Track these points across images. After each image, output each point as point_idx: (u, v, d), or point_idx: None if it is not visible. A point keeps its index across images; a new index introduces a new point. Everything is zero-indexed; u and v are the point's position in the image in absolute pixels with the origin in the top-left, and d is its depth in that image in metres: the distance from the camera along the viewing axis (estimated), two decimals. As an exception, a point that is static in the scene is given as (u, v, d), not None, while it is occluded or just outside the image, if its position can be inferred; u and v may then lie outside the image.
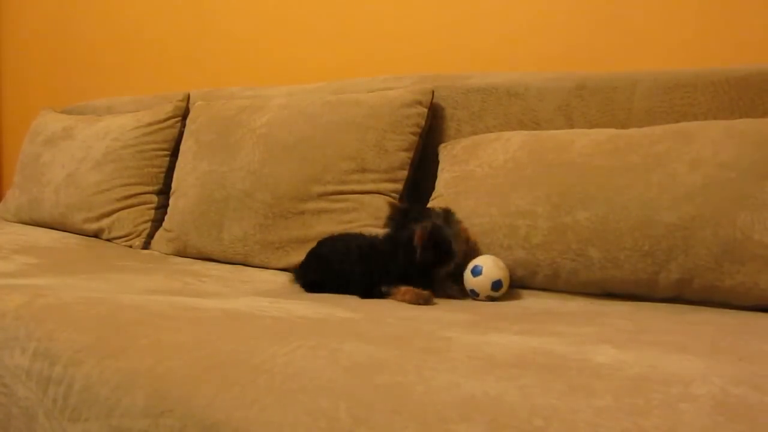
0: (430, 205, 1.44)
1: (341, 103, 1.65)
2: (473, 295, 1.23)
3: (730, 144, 1.16)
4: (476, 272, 1.21)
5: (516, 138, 1.39)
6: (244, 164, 1.67)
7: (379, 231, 1.36)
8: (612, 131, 1.31)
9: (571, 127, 1.47)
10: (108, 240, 1.95)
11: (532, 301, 1.21)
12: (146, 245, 1.90)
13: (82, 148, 2.11)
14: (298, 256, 1.55)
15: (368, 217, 1.51)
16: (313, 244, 1.38)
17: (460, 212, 1.34)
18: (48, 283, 1.26)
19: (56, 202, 2.07)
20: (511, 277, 1.24)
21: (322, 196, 1.56)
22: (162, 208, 1.94)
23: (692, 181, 1.14)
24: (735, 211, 1.10)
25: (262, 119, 1.72)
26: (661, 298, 1.17)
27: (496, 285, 1.21)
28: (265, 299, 1.16)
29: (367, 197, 1.53)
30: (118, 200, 1.96)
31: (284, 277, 1.48)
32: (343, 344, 0.81)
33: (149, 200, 1.97)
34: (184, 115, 2.06)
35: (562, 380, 0.69)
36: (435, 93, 1.62)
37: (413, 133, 1.57)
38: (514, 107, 1.55)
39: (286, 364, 0.75)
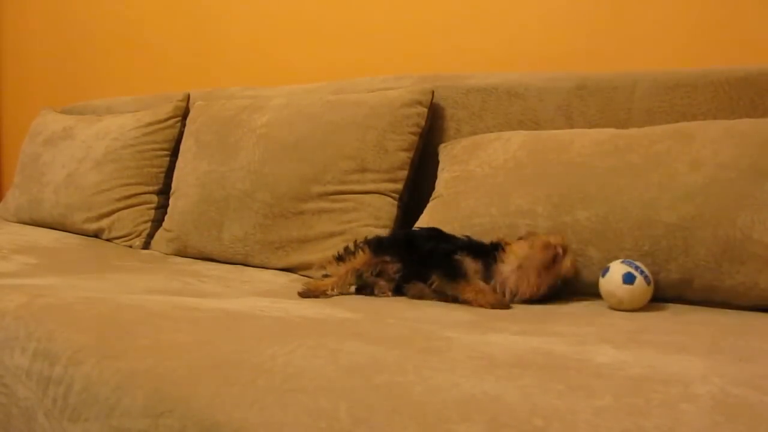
0: (430, 205, 1.43)
1: (341, 103, 1.65)
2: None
3: (730, 144, 1.16)
4: (604, 273, 1.12)
5: (516, 138, 1.39)
6: (244, 164, 1.67)
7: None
8: (612, 131, 1.31)
9: (571, 127, 1.47)
10: (108, 240, 1.95)
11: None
12: (146, 245, 1.90)
13: (82, 148, 2.11)
14: (298, 256, 1.55)
15: (368, 217, 1.51)
16: (313, 244, 1.36)
17: (460, 212, 1.34)
18: (48, 283, 1.26)
19: (56, 202, 2.07)
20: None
21: (322, 196, 1.56)
22: (162, 208, 1.94)
23: (692, 181, 1.14)
24: (735, 211, 1.10)
25: (262, 119, 1.72)
26: (661, 298, 1.17)
27: (628, 277, 1.08)
28: (265, 299, 1.16)
29: (367, 197, 1.53)
30: (118, 200, 1.96)
31: (284, 278, 1.48)
32: (343, 344, 0.81)
33: (149, 200, 1.97)
34: (184, 115, 2.06)
35: (562, 380, 0.69)
36: (435, 93, 1.62)
37: (413, 133, 1.57)
38: (514, 107, 1.54)
39: (286, 364, 0.75)
